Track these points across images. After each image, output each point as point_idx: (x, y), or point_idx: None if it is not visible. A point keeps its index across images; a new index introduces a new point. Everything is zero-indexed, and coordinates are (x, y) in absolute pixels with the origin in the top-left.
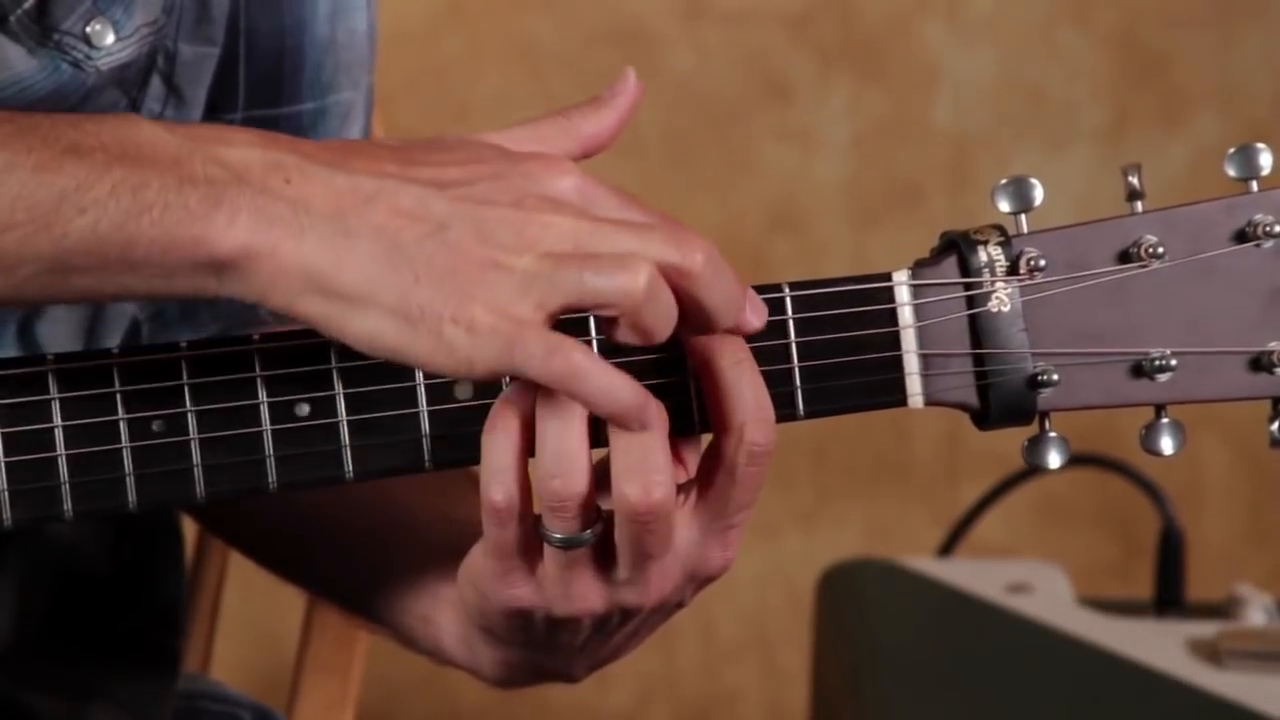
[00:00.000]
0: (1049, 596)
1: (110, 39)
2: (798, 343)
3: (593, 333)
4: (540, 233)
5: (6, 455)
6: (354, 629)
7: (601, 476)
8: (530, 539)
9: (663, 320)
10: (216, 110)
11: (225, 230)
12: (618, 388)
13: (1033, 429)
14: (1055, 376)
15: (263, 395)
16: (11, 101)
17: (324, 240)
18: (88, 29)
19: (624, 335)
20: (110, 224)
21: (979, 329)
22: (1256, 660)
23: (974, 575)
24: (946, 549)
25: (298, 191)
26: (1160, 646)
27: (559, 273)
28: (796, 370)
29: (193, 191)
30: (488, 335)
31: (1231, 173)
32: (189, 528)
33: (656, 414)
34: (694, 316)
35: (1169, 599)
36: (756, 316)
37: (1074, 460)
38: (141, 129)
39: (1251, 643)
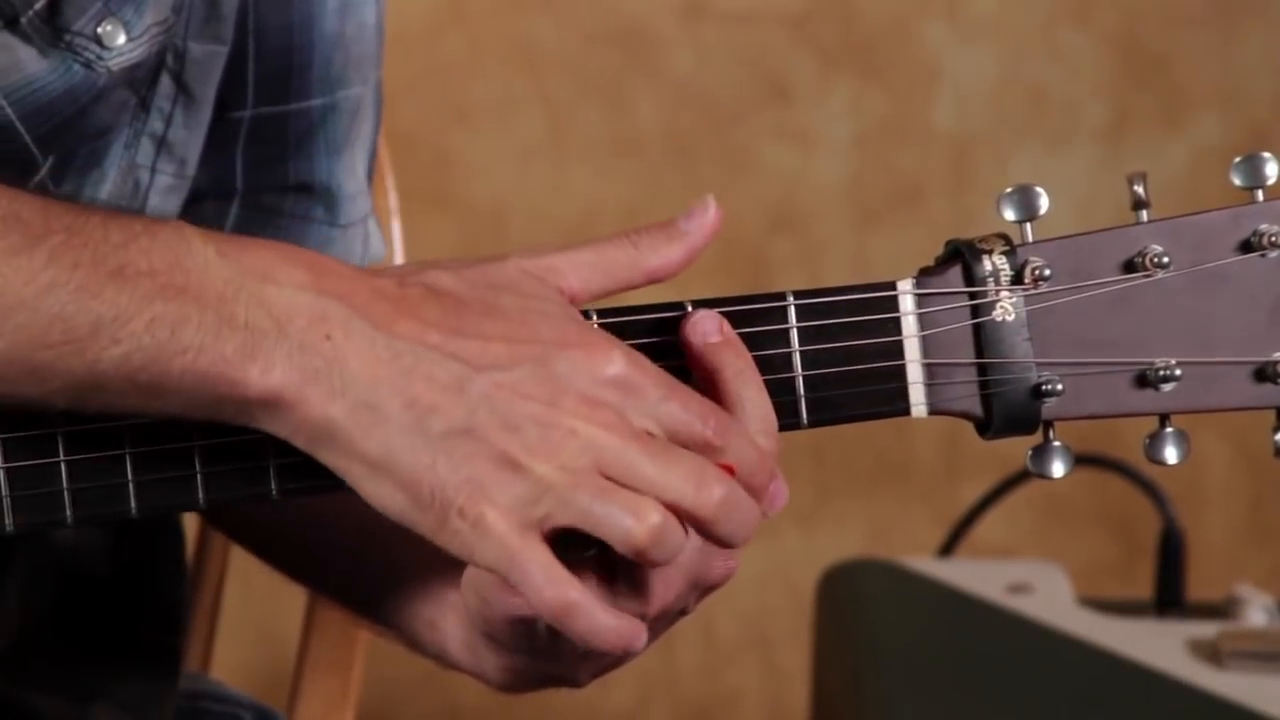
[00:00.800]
0: (1049, 596)
1: (121, 39)
2: (801, 352)
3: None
4: (564, 441)
5: (8, 461)
6: (355, 629)
7: None
8: None
9: (662, 558)
10: (226, 108)
11: (258, 378)
12: (607, 628)
13: (1036, 438)
14: (1059, 386)
15: None
16: (24, 102)
17: (353, 407)
18: (99, 29)
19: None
20: (144, 357)
21: (983, 338)
22: (1257, 660)
23: (974, 575)
24: (947, 549)
25: (337, 350)
26: (1160, 646)
27: (571, 494)
28: (800, 379)
29: (231, 338)
30: (491, 540)
31: (1237, 182)
32: (190, 528)
33: (644, 642)
34: (706, 537)
35: (1169, 599)
36: (779, 502)
37: (1075, 460)
38: (193, 253)
39: (1252, 643)
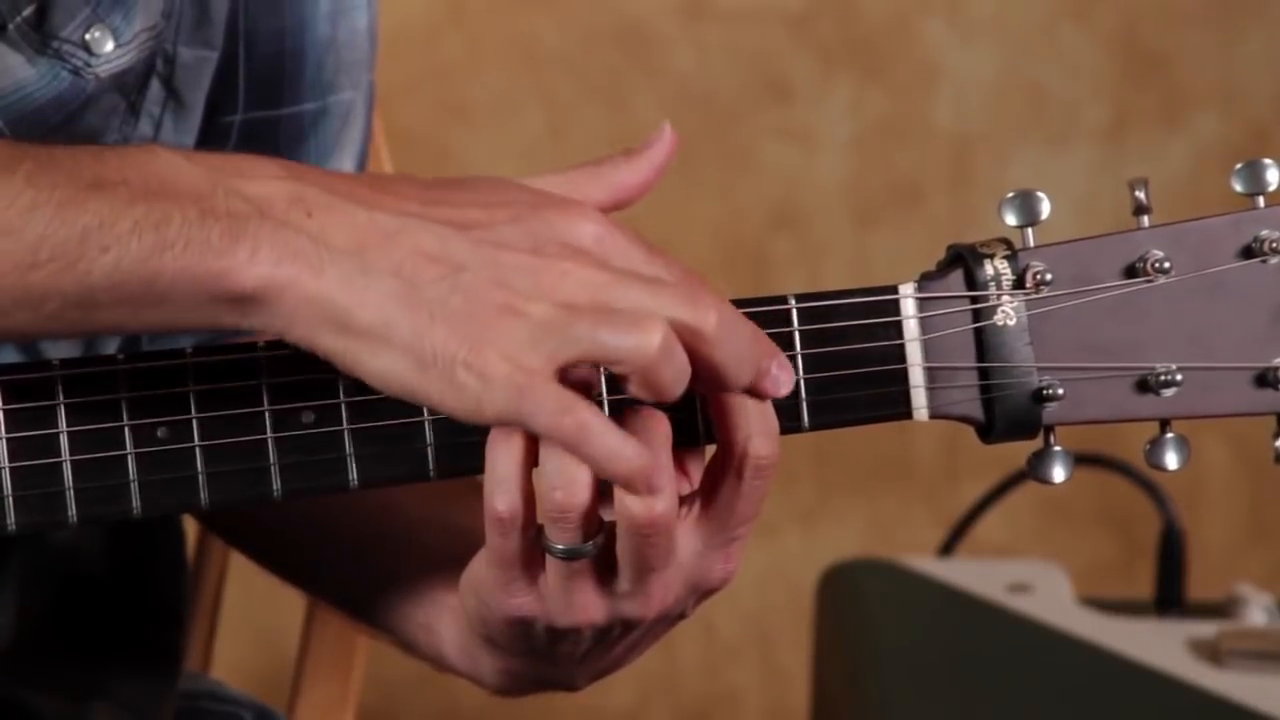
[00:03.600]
0: (1049, 596)
1: (110, 46)
2: (803, 355)
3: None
4: (557, 281)
5: (11, 461)
6: (355, 629)
7: (604, 488)
8: (532, 549)
9: (674, 379)
10: (216, 112)
11: (247, 264)
12: (625, 451)
13: (1037, 443)
14: (1060, 391)
15: (267, 403)
16: (12, 109)
17: (343, 277)
18: (87, 36)
19: (635, 391)
20: (133, 260)
21: (984, 342)
22: (1257, 660)
23: (974, 575)
24: (947, 549)
25: (319, 225)
26: (1161, 646)
27: (574, 325)
28: (802, 382)
29: (214, 225)
30: (499, 383)
31: (1238, 188)
32: (189, 527)
33: (664, 478)
34: (707, 376)
35: (1169, 599)
36: (784, 380)
37: (1075, 460)
38: (163, 160)
39: (1252, 643)
